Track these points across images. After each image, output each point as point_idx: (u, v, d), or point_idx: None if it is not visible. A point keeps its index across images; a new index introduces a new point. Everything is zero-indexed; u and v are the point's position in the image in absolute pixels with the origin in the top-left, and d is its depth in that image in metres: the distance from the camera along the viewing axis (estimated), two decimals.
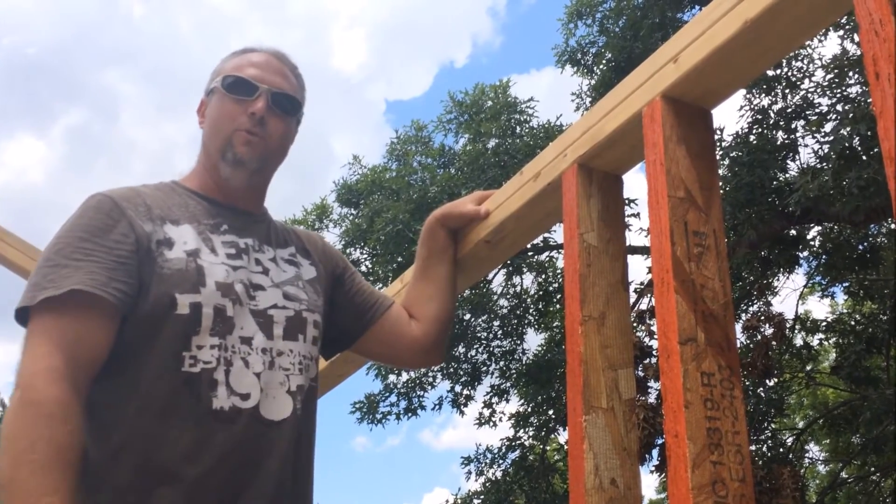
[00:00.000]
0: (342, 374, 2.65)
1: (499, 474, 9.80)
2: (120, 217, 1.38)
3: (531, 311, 10.47)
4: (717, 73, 1.21)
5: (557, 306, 10.28)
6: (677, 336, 1.11)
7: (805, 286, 9.09)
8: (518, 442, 9.86)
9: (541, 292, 10.23)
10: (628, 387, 1.33)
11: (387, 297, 1.75)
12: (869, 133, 4.38)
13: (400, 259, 8.12)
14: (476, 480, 9.97)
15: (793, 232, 6.95)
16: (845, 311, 11.20)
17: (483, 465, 9.82)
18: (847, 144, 4.54)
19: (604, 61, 8.60)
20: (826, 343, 10.37)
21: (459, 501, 10.27)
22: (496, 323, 10.28)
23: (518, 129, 9.19)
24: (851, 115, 4.47)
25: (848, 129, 4.59)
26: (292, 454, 1.39)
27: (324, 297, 1.58)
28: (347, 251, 9.16)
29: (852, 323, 9.12)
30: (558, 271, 10.14)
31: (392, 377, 9.41)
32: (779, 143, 6.14)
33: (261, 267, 1.48)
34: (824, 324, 9.83)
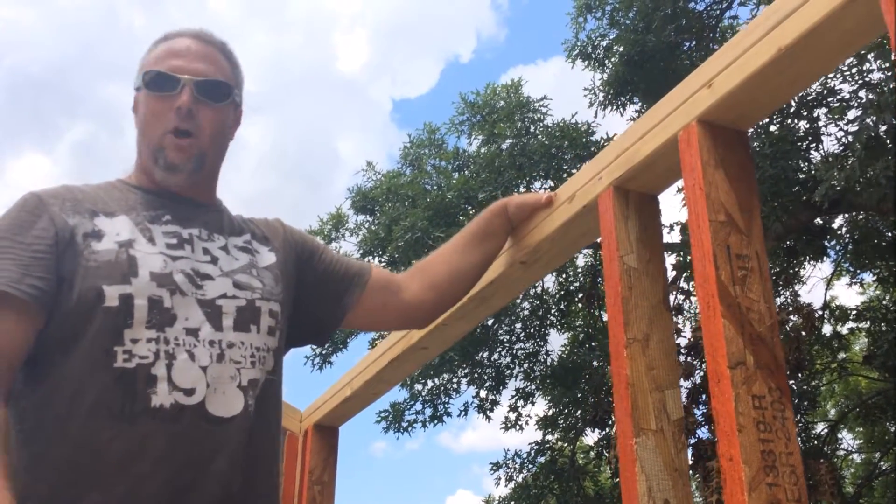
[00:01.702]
0: (377, 393, 2.72)
1: (528, 478, 9.83)
2: (42, 213, 1.35)
3: (553, 311, 10.50)
4: (751, 97, 1.26)
5: (579, 305, 10.31)
6: (727, 360, 1.15)
7: (833, 273, 9.07)
8: (547, 445, 9.89)
9: (562, 292, 10.27)
10: (676, 407, 1.37)
11: (364, 265, 1.70)
12: (895, 121, 4.39)
13: None
14: (506, 486, 10.01)
15: (818, 221, 6.95)
16: (876, 294, 11.16)
17: (512, 469, 9.86)
18: (872, 133, 4.55)
19: (616, 55, 8.62)
20: (857, 331, 10.33)
21: None
22: (518, 325, 10.32)
23: (532, 128, 9.23)
24: (876, 103, 4.47)
25: (873, 118, 4.60)
26: (244, 453, 1.32)
27: (286, 284, 1.51)
28: (365, 260, 9.25)
29: (883, 311, 9.09)
30: (578, 270, 10.17)
31: (418, 386, 9.47)
32: (801, 132, 6.15)
33: (209, 256, 1.42)
34: (854, 312, 9.81)
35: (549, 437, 10.07)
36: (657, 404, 1.36)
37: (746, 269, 1.23)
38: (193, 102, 1.42)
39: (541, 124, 9.32)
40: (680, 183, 1.49)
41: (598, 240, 1.58)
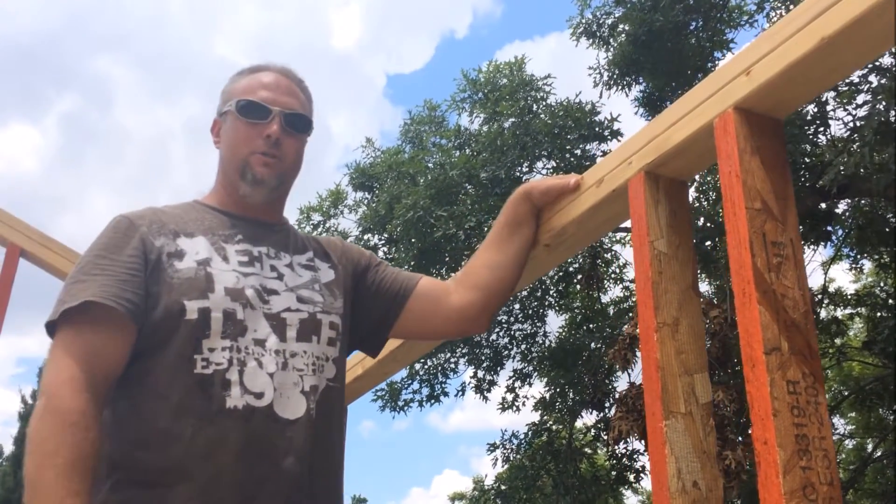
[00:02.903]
0: (388, 372, 2.75)
1: (524, 460, 9.93)
2: (133, 234, 1.51)
3: (551, 292, 10.56)
4: (790, 86, 1.28)
5: (577, 287, 10.37)
6: (762, 346, 1.18)
7: (833, 257, 9.13)
8: (544, 427, 9.98)
9: (560, 273, 10.31)
10: (704, 391, 1.41)
11: (414, 275, 1.80)
12: None
13: (420, 246, 8.19)
14: (503, 466, 10.11)
15: (823, 206, 6.99)
16: (870, 281, 11.23)
17: (509, 450, 9.96)
18: (882, 119, 4.58)
19: (622, 35, 8.61)
20: (857, 316, 10.41)
21: (486, 486, 10.42)
22: (516, 306, 10.38)
23: (535, 107, 9.22)
24: (888, 87, 4.50)
25: (883, 104, 4.63)
26: (310, 452, 1.45)
27: (345, 298, 1.66)
28: (365, 237, 9.26)
29: (884, 296, 9.17)
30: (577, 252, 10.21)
31: (416, 365, 9.53)
32: (808, 116, 6.17)
33: (276, 273, 1.57)
34: (854, 297, 9.88)
35: (546, 418, 10.15)
36: (686, 388, 1.39)
37: (781, 257, 1.26)
38: (281, 132, 1.60)
39: (543, 103, 9.32)
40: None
41: (623, 224, 1.61)
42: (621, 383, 9.68)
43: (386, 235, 8.99)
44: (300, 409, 1.46)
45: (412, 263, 8.07)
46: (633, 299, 10.52)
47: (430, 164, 9.01)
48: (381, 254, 9.35)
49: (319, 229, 9.91)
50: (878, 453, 11.75)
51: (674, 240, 1.51)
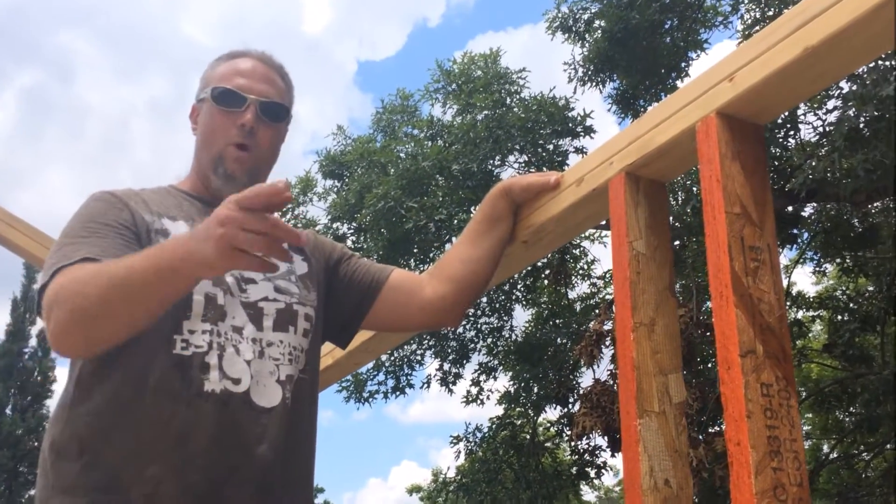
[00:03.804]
0: (358, 363, 2.76)
1: (488, 453, 10.00)
2: (122, 206, 1.50)
3: (519, 286, 10.61)
4: (773, 93, 1.31)
5: (545, 282, 10.44)
6: (738, 349, 1.21)
7: (798, 261, 9.30)
8: (508, 420, 10.05)
9: (528, 268, 10.37)
10: (678, 390, 1.44)
11: (386, 267, 1.81)
12: (876, 114, 4.51)
13: (390, 237, 8.19)
14: (465, 459, 10.17)
15: (790, 208, 7.12)
16: (833, 283, 11.46)
17: (472, 443, 10.01)
18: (852, 125, 4.67)
19: (598, 31, 8.66)
20: (820, 319, 10.62)
21: (447, 479, 10.47)
22: (484, 299, 10.42)
23: (509, 100, 9.25)
24: (859, 94, 4.59)
25: (853, 110, 4.72)
26: (283, 441, 1.46)
27: (318, 290, 1.66)
28: (334, 226, 9.23)
29: (845, 300, 9.36)
30: None
31: (383, 356, 9.54)
32: (779, 120, 6.27)
33: None
34: (816, 300, 10.08)
35: (510, 412, 10.23)
36: (660, 387, 1.42)
37: (759, 261, 1.29)
38: (255, 121, 1.58)
39: (517, 97, 9.35)
40: None
41: (602, 223, 1.64)
42: (586, 379, 9.79)
43: (355, 225, 8.97)
44: (276, 398, 1.47)
45: (381, 254, 8.07)
46: (601, 296, 10.63)
47: (401, 155, 9.00)
48: (349, 243, 9.33)
49: (288, 216, 9.87)
50: (834, 455, 12.01)
51: (652, 241, 1.54)
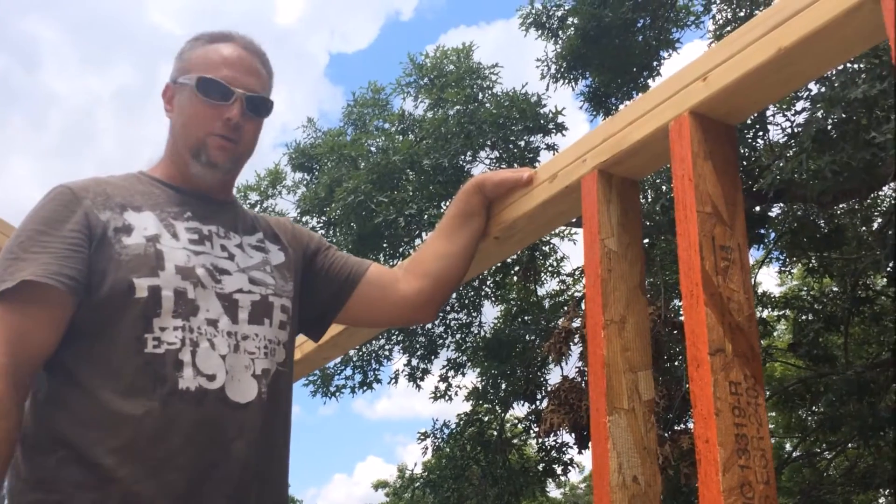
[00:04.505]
0: (328, 357, 2.75)
1: (455, 450, 10.01)
2: (76, 207, 1.46)
3: (488, 282, 10.63)
4: (746, 93, 1.32)
5: (514, 278, 10.47)
6: (707, 347, 1.22)
7: (763, 261, 9.42)
8: (475, 417, 10.07)
9: (498, 264, 10.40)
10: (648, 388, 1.45)
11: (364, 261, 1.81)
12: (844, 116, 4.58)
13: (359, 231, 8.16)
14: (432, 456, 10.18)
15: (757, 208, 7.21)
16: (797, 283, 11.63)
17: (440, 439, 10.02)
18: (820, 127, 4.74)
19: (571, 28, 8.69)
20: (785, 318, 10.77)
21: (414, 475, 10.47)
22: (453, 295, 10.42)
23: (481, 95, 9.25)
24: (828, 96, 4.66)
25: (822, 112, 4.79)
26: (260, 437, 1.45)
27: (294, 281, 1.65)
28: (303, 219, 9.18)
29: (810, 300, 9.50)
30: None
31: (351, 351, 9.51)
32: (748, 120, 6.34)
33: (226, 252, 1.55)
34: (781, 300, 10.21)
35: (477, 408, 10.25)
36: (630, 385, 1.44)
37: (729, 261, 1.31)
38: (241, 116, 1.56)
39: (489, 92, 9.35)
40: None
41: (574, 220, 1.64)
42: (554, 376, 9.85)
43: (325, 218, 8.92)
44: (251, 393, 1.46)
45: (350, 248, 8.03)
46: (570, 293, 10.68)
47: (372, 149, 8.97)
48: None
49: (257, 209, 9.78)
50: (797, 453, 12.19)
51: (624, 238, 1.55)
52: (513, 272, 10.28)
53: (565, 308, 9.40)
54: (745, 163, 6.24)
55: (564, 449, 9.55)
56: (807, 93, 5.96)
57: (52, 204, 1.47)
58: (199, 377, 1.41)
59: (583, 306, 7.67)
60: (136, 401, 1.37)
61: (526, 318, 10.51)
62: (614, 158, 1.53)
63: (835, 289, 9.47)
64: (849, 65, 4.71)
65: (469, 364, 10.55)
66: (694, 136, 1.36)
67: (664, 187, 6.77)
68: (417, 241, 8.44)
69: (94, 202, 1.48)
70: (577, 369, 7.58)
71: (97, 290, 1.42)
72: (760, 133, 6.48)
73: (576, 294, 10.27)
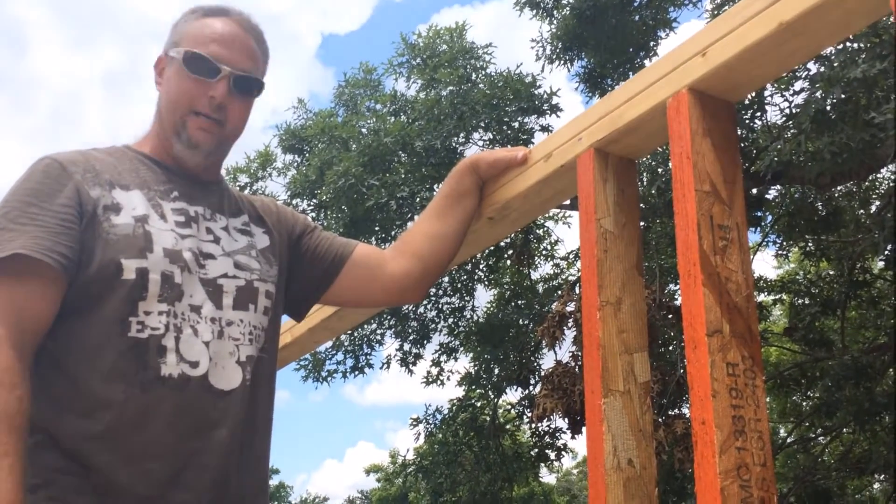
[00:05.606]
0: (318, 341, 2.74)
1: (448, 435, 10.04)
2: (67, 181, 1.43)
3: (481, 266, 10.62)
4: (746, 69, 1.31)
5: (507, 262, 10.47)
6: (705, 328, 1.22)
7: (760, 244, 9.43)
8: (468, 402, 10.10)
9: (491, 247, 10.39)
10: (643, 370, 1.45)
11: (350, 241, 1.79)
12: (843, 96, 4.57)
13: (351, 214, 8.13)
14: (424, 441, 10.21)
15: (754, 191, 7.21)
16: (793, 267, 11.65)
17: (432, 425, 10.05)
18: (819, 108, 4.73)
19: (567, 8, 8.64)
20: (781, 303, 10.80)
21: (406, 461, 10.51)
22: (445, 279, 10.42)
23: (474, 76, 9.20)
24: (827, 76, 4.64)
25: (820, 92, 4.78)
26: (243, 424, 1.45)
27: (279, 265, 1.63)
28: (293, 202, 9.14)
29: (806, 283, 9.52)
30: None
31: (342, 335, 9.50)
32: (746, 101, 6.33)
33: (212, 236, 1.53)
34: (778, 284, 10.24)
35: (470, 393, 10.27)
36: (626, 367, 1.43)
37: (727, 240, 1.30)
38: (227, 95, 1.51)
39: (483, 72, 9.30)
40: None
41: (569, 200, 1.63)
42: (547, 361, 9.87)
43: (315, 201, 8.89)
44: (235, 380, 1.45)
45: (342, 231, 8.00)
46: (563, 277, 10.69)
47: (363, 130, 8.92)
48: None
49: (246, 192, 9.71)
50: (792, 438, 12.27)
51: (620, 218, 1.54)
52: (506, 256, 10.27)
53: (559, 292, 9.41)
54: (742, 144, 6.24)
55: (558, 434, 9.59)
56: (805, 73, 5.94)
57: (39, 175, 1.43)
58: (181, 364, 1.39)
59: (577, 290, 7.68)
60: (117, 386, 1.36)
61: (519, 302, 10.52)
62: (611, 136, 1.52)
63: (832, 272, 9.50)
64: (848, 44, 4.70)
65: (462, 349, 10.57)
66: (692, 112, 1.34)
67: (660, 169, 6.77)
68: (409, 224, 8.42)
69: (84, 178, 1.45)
70: (570, 354, 7.60)
71: (85, 270, 1.39)
72: (758, 114, 6.46)
73: (570, 278, 10.28)
